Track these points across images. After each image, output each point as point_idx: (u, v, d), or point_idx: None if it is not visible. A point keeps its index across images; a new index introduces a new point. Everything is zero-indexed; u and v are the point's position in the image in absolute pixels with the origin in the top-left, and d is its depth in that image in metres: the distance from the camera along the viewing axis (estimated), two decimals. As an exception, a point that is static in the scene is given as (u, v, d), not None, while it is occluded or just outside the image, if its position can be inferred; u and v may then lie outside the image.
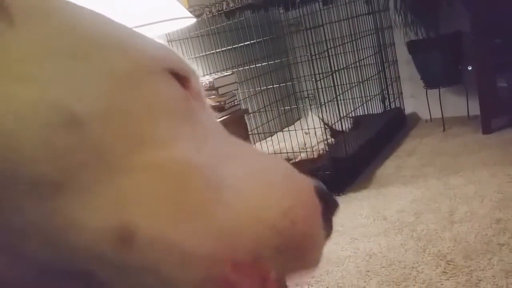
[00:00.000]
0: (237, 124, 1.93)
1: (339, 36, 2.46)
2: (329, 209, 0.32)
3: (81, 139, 0.21)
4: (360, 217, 1.69)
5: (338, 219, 1.74)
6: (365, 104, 2.65)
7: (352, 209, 1.77)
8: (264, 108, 2.40)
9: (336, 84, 2.11)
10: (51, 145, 0.20)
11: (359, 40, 2.57)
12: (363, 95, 2.66)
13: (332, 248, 1.50)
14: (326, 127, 2.39)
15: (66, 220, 0.21)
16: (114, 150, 0.22)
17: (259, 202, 0.26)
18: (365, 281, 1.26)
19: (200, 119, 0.28)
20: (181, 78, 0.28)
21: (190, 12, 1.81)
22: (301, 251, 0.28)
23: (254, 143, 2.42)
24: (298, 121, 2.73)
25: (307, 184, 0.31)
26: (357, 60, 2.54)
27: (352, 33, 2.51)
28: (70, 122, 0.21)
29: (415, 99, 2.80)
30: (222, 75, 1.94)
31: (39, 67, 0.21)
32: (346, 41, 2.46)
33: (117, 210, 0.21)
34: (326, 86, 2.28)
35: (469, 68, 2.42)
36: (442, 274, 1.20)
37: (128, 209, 0.22)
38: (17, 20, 0.22)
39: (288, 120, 2.73)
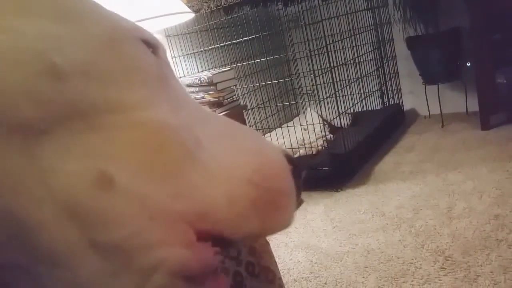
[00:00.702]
0: (236, 120, 1.91)
1: (338, 31, 2.45)
2: (296, 170, 0.33)
3: (63, 90, 0.22)
4: (359, 213, 1.69)
5: (337, 215, 1.75)
6: (363, 100, 2.64)
7: (351, 205, 1.78)
8: (263, 104, 2.40)
9: (335, 80, 2.11)
10: (34, 92, 0.21)
11: (358, 36, 2.56)
12: (361, 91, 2.65)
13: (330, 244, 1.50)
14: (325, 123, 2.38)
15: (46, 165, 0.21)
16: (94, 106, 0.23)
17: (233, 161, 0.28)
18: (363, 277, 1.26)
19: (171, 85, 0.29)
20: (152, 47, 0.29)
21: (189, 7, 1.80)
22: (275, 207, 0.30)
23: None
24: (297, 117, 2.72)
25: (275, 147, 0.33)
26: (356, 56, 2.54)
27: (351, 28, 2.50)
28: (53, 72, 0.22)
29: (414, 95, 2.79)
30: (220, 70, 1.93)
31: (24, 22, 0.23)
32: (345, 37, 2.45)
33: (96, 159, 0.22)
34: (325, 82, 2.28)
35: (468, 64, 2.42)
36: (440, 269, 1.21)
37: (106, 160, 0.23)
38: None
39: (287, 116, 2.72)
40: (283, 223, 0.31)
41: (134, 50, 0.27)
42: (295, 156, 2.12)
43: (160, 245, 0.24)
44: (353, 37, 2.50)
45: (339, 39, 2.41)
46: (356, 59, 2.54)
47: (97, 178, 0.22)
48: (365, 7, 2.56)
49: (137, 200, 0.23)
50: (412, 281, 1.19)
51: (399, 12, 2.46)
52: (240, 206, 0.27)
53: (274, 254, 1.60)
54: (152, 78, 0.27)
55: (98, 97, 0.23)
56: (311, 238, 1.58)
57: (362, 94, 2.65)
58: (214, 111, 1.83)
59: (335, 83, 2.11)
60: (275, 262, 0.65)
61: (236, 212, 0.27)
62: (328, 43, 2.06)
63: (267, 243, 0.64)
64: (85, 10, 0.26)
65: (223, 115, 1.80)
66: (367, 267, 1.31)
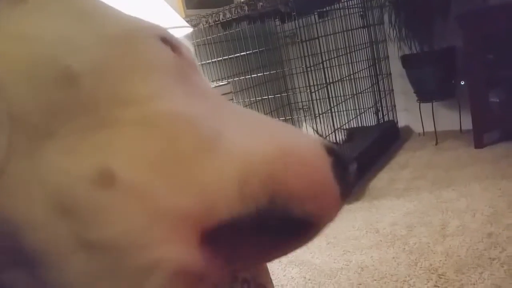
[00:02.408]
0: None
1: (334, 48, 2.49)
2: (339, 161, 0.28)
3: (76, 94, 0.22)
4: (353, 229, 1.68)
5: (331, 231, 1.75)
6: (359, 116, 2.67)
7: (345, 221, 1.77)
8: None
9: (330, 96, 2.13)
10: (46, 100, 0.21)
11: (353, 53, 2.60)
12: (357, 107, 2.68)
13: (324, 260, 1.49)
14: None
15: (45, 164, 0.21)
16: (104, 104, 0.23)
17: (255, 146, 0.25)
18: (356, 294, 1.25)
19: (193, 81, 0.28)
20: (173, 46, 0.29)
21: (187, 21, 1.82)
22: (299, 194, 0.25)
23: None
24: (293, 132, 2.73)
25: (311, 137, 0.29)
26: (351, 72, 2.57)
27: (347, 46, 2.54)
28: (67, 77, 0.22)
29: (408, 112, 2.82)
30: (217, 84, 1.94)
31: (39, 26, 0.23)
32: (341, 54, 2.49)
33: (99, 156, 0.22)
34: (321, 97, 2.30)
35: (462, 83, 2.45)
36: (433, 287, 1.20)
37: (110, 156, 0.22)
38: None
39: (282, 130, 2.73)
40: (316, 215, 0.27)
41: (151, 47, 0.26)
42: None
43: (159, 244, 0.22)
44: (349, 54, 2.54)
45: (335, 55, 2.44)
46: (352, 75, 2.58)
47: (98, 175, 0.21)
48: (361, 25, 2.60)
49: (139, 197, 0.22)
50: (406, 299, 1.19)
51: (394, 30, 2.50)
52: (252, 185, 0.24)
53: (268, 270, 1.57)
54: (168, 73, 0.26)
55: (107, 95, 0.23)
56: (305, 254, 1.57)
57: (357, 111, 2.67)
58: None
59: (331, 99, 2.13)
60: (271, 279, 0.64)
61: (246, 193, 0.24)
62: (324, 59, 2.08)
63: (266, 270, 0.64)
64: (101, 11, 0.26)
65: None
66: (360, 284, 1.30)
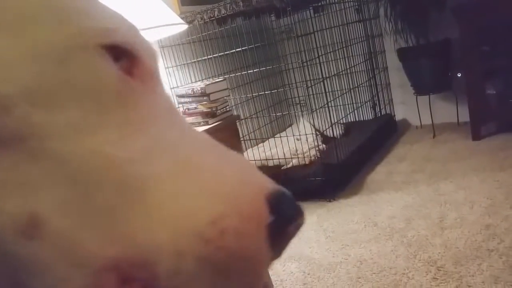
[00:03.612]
0: (229, 130, 1.92)
1: (330, 43, 2.48)
2: (282, 223, 0.26)
3: (5, 121, 0.21)
4: (352, 223, 1.69)
5: (330, 225, 1.75)
6: (356, 111, 2.66)
7: (344, 215, 1.78)
8: (256, 114, 2.41)
9: (327, 90, 2.12)
10: None
11: (350, 47, 2.59)
12: (354, 102, 2.67)
13: (323, 254, 1.49)
14: (318, 133, 2.39)
15: None
16: (36, 132, 0.21)
17: (188, 206, 0.24)
18: (356, 288, 1.26)
19: (139, 103, 0.25)
20: (129, 54, 0.26)
21: (182, 18, 1.81)
22: (231, 270, 0.24)
23: (246, 149, 2.42)
24: (290, 127, 2.73)
25: (257, 189, 0.26)
26: (348, 67, 2.56)
27: (343, 40, 2.54)
28: None
29: (406, 105, 2.82)
30: (213, 81, 1.94)
31: None
32: (337, 48, 2.48)
33: (28, 197, 0.21)
34: (318, 92, 2.30)
35: (459, 75, 2.45)
36: (432, 280, 1.21)
37: (39, 199, 0.21)
38: None
39: (280, 126, 2.73)
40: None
41: (88, 63, 0.23)
42: (288, 166, 2.12)
43: None
44: (345, 48, 2.53)
45: (331, 50, 2.44)
46: (348, 70, 2.57)
47: (25, 222, 0.21)
48: (357, 19, 2.60)
49: (64, 246, 0.21)
50: (405, 292, 1.19)
51: (390, 23, 2.50)
52: (186, 262, 0.23)
53: (266, 265, 1.57)
54: (105, 97, 0.24)
55: (41, 123, 0.21)
56: (304, 248, 1.57)
57: (354, 105, 2.67)
58: (207, 121, 1.84)
59: (327, 93, 2.13)
60: (269, 274, 0.64)
61: (181, 268, 0.23)
62: (320, 54, 2.08)
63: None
64: (41, 15, 0.23)
65: (216, 125, 1.81)
66: (359, 278, 1.31)
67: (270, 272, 1.43)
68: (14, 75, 0.21)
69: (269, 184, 0.27)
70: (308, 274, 1.40)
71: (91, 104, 0.23)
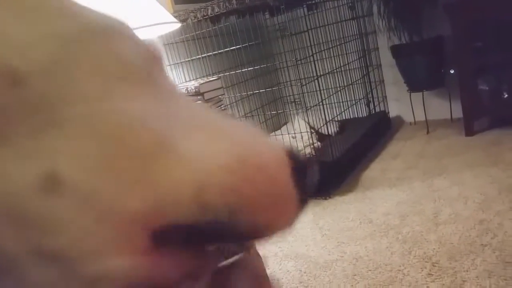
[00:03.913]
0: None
1: (324, 41, 2.49)
2: (299, 167, 0.27)
3: (22, 95, 0.21)
4: (347, 220, 1.70)
5: (325, 223, 1.75)
6: (350, 108, 2.67)
7: (339, 212, 1.79)
8: (250, 113, 2.41)
9: (321, 88, 2.13)
10: None
11: (343, 45, 2.60)
12: (348, 99, 2.68)
13: (319, 252, 1.50)
14: (313, 131, 2.40)
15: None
16: (54, 103, 0.21)
17: (211, 148, 0.24)
18: (352, 285, 1.27)
19: (156, 81, 0.27)
20: (140, 45, 0.27)
21: (175, 17, 1.80)
22: (260, 201, 0.24)
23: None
24: (285, 126, 2.74)
25: (273, 142, 0.28)
26: (342, 64, 2.57)
27: (337, 38, 2.54)
28: (12, 78, 0.21)
29: (399, 102, 2.84)
30: (207, 80, 1.93)
31: None
32: (330, 46, 2.49)
33: (45, 159, 0.21)
34: (312, 90, 2.30)
35: (452, 71, 2.47)
36: (427, 276, 1.22)
37: (56, 158, 0.21)
38: None
39: (275, 124, 2.74)
40: (273, 224, 0.26)
41: (105, 44, 0.24)
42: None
43: (106, 252, 0.21)
44: (338, 46, 2.54)
45: (325, 48, 2.44)
46: (342, 67, 2.58)
47: (43, 181, 0.21)
48: (350, 17, 2.60)
49: (85, 200, 0.21)
50: (400, 288, 1.20)
51: (383, 21, 2.51)
52: (210, 194, 0.23)
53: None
54: (124, 71, 0.25)
55: (60, 93, 0.22)
56: (300, 247, 1.58)
57: (349, 102, 2.68)
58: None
59: (322, 91, 2.13)
60: (266, 274, 0.64)
61: (203, 202, 0.23)
62: (314, 52, 2.08)
63: (259, 255, 0.64)
64: (56, 7, 0.24)
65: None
66: (355, 275, 1.32)
67: (267, 271, 1.44)
68: (32, 52, 0.22)
69: (282, 144, 0.29)
70: (305, 272, 1.40)
71: (108, 76, 0.24)
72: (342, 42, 2.58)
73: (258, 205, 0.24)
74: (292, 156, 0.28)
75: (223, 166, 0.24)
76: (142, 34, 1.63)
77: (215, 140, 0.25)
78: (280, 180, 0.26)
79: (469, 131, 2.29)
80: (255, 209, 0.24)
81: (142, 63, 0.26)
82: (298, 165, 0.27)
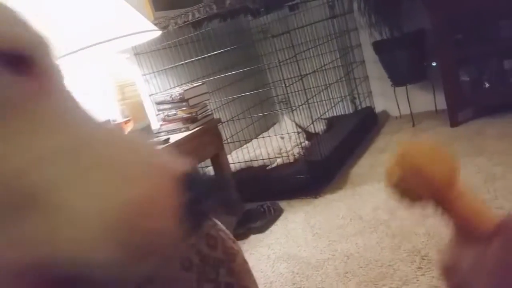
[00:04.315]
0: (211, 135, 1.92)
1: (305, 40, 2.50)
2: (194, 200, 0.28)
3: None
4: (337, 218, 1.71)
5: (316, 222, 1.75)
6: (336, 106, 2.69)
7: (330, 210, 1.80)
8: (237, 116, 2.41)
9: (306, 87, 2.14)
10: None
11: (326, 43, 2.62)
12: (333, 97, 2.70)
13: (311, 252, 1.51)
14: (300, 130, 2.41)
15: None
16: None
17: (95, 197, 0.24)
18: (344, 283, 1.28)
19: (31, 110, 0.25)
20: (21, 58, 0.25)
21: (155, 24, 1.79)
22: (146, 247, 0.25)
23: (230, 152, 2.42)
24: (273, 127, 2.75)
25: (166, 172, 0.27)
26: (325, 63, 2.59)
27: (318, 37, 2.55)
28: None
29: (385, 97, 2.86)
30: (192, 86, 1.93)
31: None
32: (313, 46, 2.50)
33: None
34: (298, 90, 2.31)
35: (434, 64, 2.50)
36: (417, 269, 1.23)
37: None
38: None
39: (263, 126, 2.74)
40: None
41: None
42: (273, 165, 2.13)
43: None
44: (321, 45, 2.55)
45: (308, 48, 2.45)
46: (325, 66, 2.59)
47: None
48: (331, 15, 2.62)
49: None
50: (391, 283, 1.21)
51: (364, 17, 2.53)
52: (101, 249, 0.24)
53: (256, 267, 1.59)
54: None
55: None
56: (292, 248, 1.59)
57: (334, 100, 2.70)
58: (188, 127, 1.83)
59: (307, 90, 2.15)
60: (255, 281, 0.65)
61: (96, 256, 0.24)
62: (297, 52, 2.09)
63: (246, 263, 0.64)
64: None
65: (198, 130, 1.80)
66: (347, 272, 1.33)
67: (260, 275, 1.45)
68: None
69: (179, 167, 0.28)
70: (297, 273, 1.41)
71: None
72: (324, 41, 2.60)
73: (144, 248, 0.25)
74: (189, 181, 0.28)
75: (108, 220, 0.24)
76: (124, 43, 1.63)
77: (99, 186, 0.25)
78: (165, 225, 0.26)
79: (454, 122, 2.32)
80: (142, 251, 0.25)
81: (11, 90, 0.24)
82: (196, 189, 0.28)
